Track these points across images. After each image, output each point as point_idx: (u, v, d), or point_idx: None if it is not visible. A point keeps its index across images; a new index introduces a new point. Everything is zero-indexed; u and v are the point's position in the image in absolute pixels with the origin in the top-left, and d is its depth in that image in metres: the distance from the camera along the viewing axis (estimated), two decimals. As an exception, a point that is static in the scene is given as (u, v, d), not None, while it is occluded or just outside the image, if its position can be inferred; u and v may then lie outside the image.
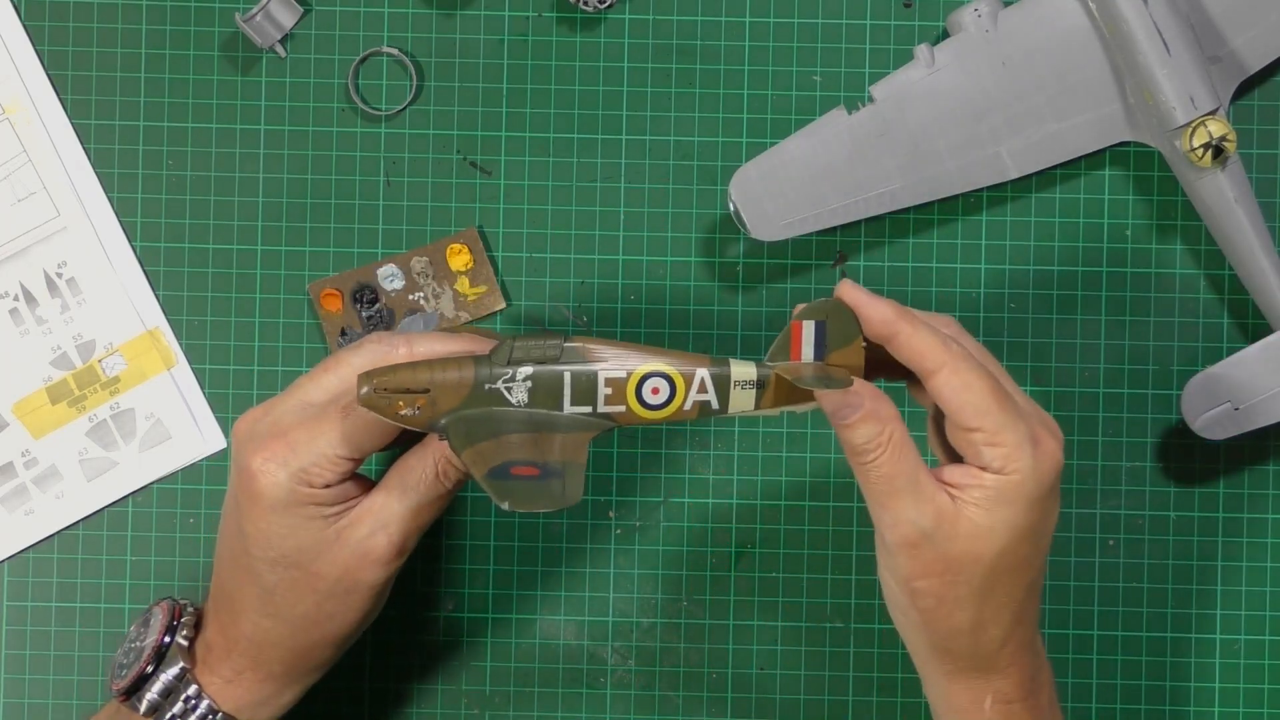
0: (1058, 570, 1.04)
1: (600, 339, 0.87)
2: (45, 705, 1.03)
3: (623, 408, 0.87)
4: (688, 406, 0.88)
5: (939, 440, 0.89)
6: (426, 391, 0.86)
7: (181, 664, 0.92)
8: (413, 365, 0.86)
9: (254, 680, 0.92)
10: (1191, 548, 1.04)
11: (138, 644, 0.93)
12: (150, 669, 0.92)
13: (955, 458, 0.87)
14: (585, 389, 0.87)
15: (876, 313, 0.86)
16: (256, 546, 0.89)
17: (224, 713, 0.91)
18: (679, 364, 0.87)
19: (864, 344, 0.87)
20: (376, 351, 0.88)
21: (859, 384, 0.86)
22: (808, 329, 0.87)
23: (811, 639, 1.04)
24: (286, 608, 0.90)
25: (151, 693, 0.92)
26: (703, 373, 0.87)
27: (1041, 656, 0.91)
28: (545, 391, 0.86)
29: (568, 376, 0.86)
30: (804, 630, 1.04)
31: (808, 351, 0.87)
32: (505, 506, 0.84)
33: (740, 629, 1.04)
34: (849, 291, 0.87)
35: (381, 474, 0.91)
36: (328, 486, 0.88)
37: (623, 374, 0.87)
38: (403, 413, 0.86)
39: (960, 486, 0.85)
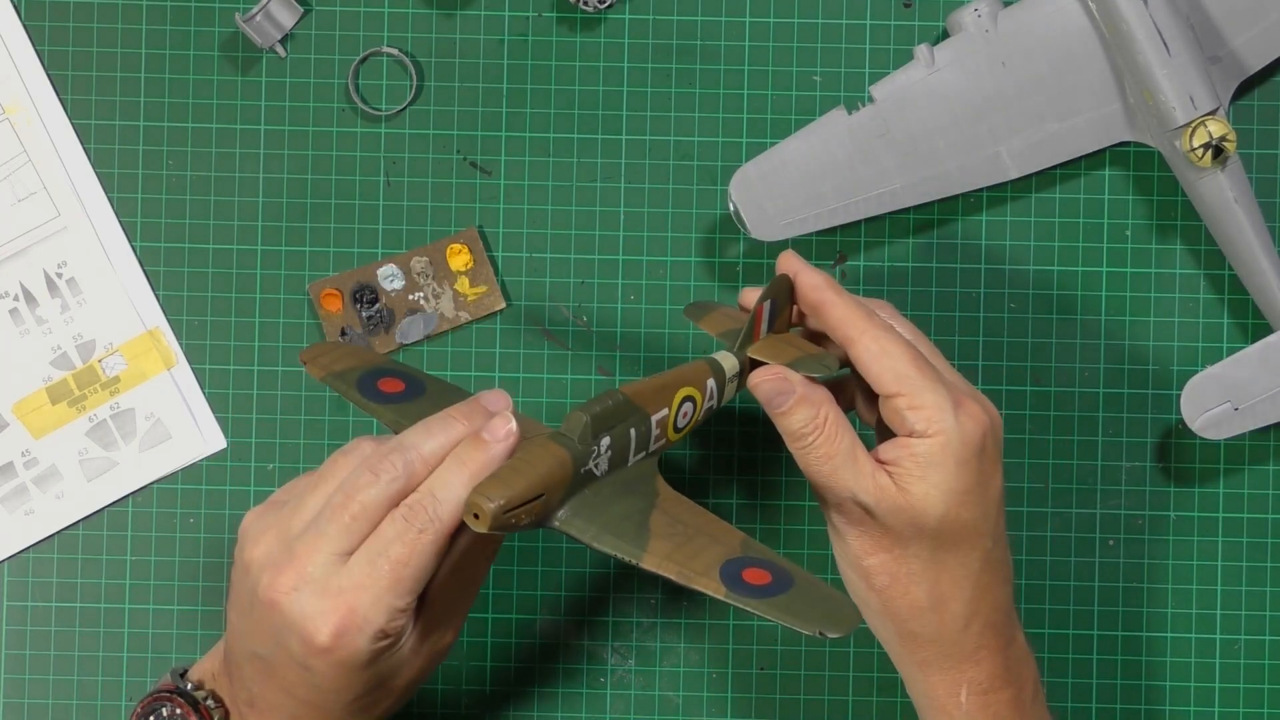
0: (1058, 570, 1.04)
1: (626, 384, 0.87)
2: (45, 705, 1.03)
3: (664, 440, 0.88)
4: (702, 416, 0.89)
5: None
6: (541, 496, 0.82)
7: None
8: (515, 470, 0.82)
9: None
10: (1191, 548, 1.04)
11: None
12: None
13: None
14: (643, 436, 0.87)
15: (808, 279, 0.89)
16: (340, 694, 0.86)
17: None
18: (693, 381, 0.88)
19: (794, 308, 0.91)
20: (393, 480, 0.83)
21: (788, 371, 0.88)
22: (766, 309, 0.89)
23: (811, 639, 1.04)
24: (369, 714, 0.88)
25: None
26: (710, 382, 0.89)
27: (1024, 651, 0.91)
28: (619, 453, 0.86)
29: (633, 433, 0.86)
30: (804, 630, 1.04)
31: (764, 328, 0.90)
32: (827, 635, 0.81)
33: (740, 629, 1.04)
34: (788, 260, 0.89)
35: None
36: (402, 628, 0.85)
37: (666, 411, 0.87)
38: (522, 523, 0.82)
39: (893, 460, 0.87)
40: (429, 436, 0.85)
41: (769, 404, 0.87)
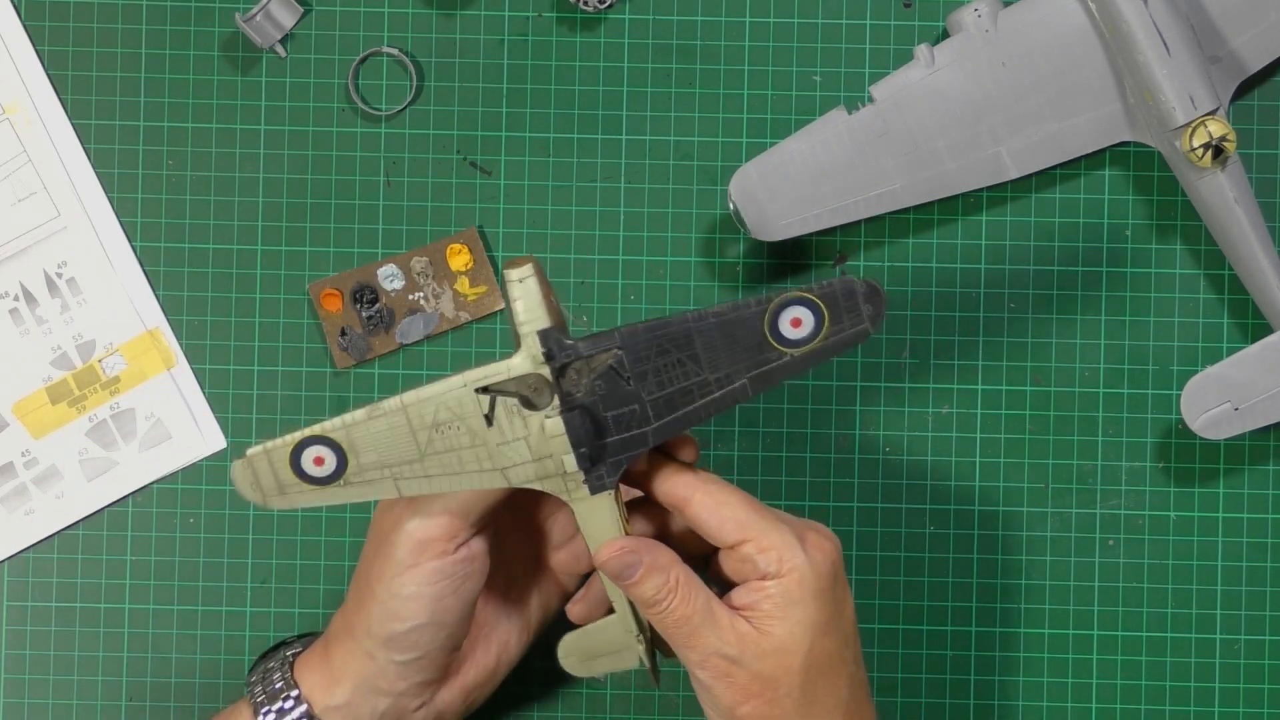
0: (1058, 570, 1.04)
1: None
2: (45, 705, 1.03)
3: None
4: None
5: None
6: None
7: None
8: None
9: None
10: (1191, 548, 1.04)
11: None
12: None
13: None
14: None
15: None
16: (406, 603, 0.90)
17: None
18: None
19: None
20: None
21: (634, 541, 0.87)
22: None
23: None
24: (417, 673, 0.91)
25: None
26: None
27: None
28: None
29: None
30: (804, 630, 1.04)
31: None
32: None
33: (740, 629, 1.04)
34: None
35: None
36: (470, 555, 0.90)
37: None
38: None
39: (750, 605, 0.86)
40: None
41: (619, 579, 0.87)
